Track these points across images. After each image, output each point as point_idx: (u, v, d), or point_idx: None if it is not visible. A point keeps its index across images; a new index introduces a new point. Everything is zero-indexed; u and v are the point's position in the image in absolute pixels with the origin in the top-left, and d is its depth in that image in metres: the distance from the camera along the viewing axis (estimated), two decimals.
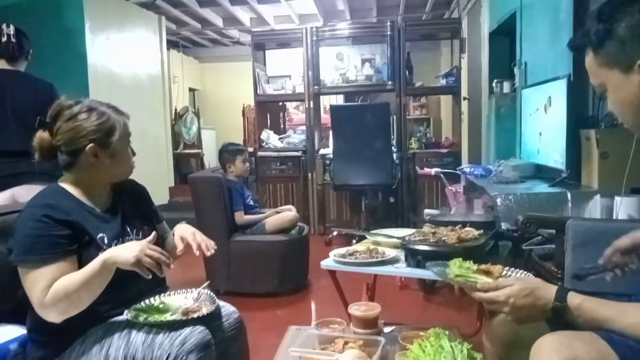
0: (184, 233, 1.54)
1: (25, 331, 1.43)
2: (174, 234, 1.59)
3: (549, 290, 1.08)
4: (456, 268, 1.30)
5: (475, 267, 1.30)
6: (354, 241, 4.34)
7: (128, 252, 1.29)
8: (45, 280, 1.28)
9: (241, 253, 3.26)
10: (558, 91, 2.64)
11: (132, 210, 1.56)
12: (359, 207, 4.92)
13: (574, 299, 1.04)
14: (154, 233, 1.39)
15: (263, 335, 2.53)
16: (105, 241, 1.41)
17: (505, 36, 4.56)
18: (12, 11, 4.21)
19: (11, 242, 1.35)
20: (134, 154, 1.54)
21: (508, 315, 1.12)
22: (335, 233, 4.82)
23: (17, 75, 2.56)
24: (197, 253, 1.50)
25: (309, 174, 5.22)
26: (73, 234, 1.35)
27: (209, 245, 1.52)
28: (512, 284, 1.11)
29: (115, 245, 1.41)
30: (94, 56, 4.42)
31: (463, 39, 5.40)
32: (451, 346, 1.01)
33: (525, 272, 1.35)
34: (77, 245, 1.36)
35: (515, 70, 3.94)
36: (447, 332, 1.05)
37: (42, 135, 1.44)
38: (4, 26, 2.54)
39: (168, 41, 6.15)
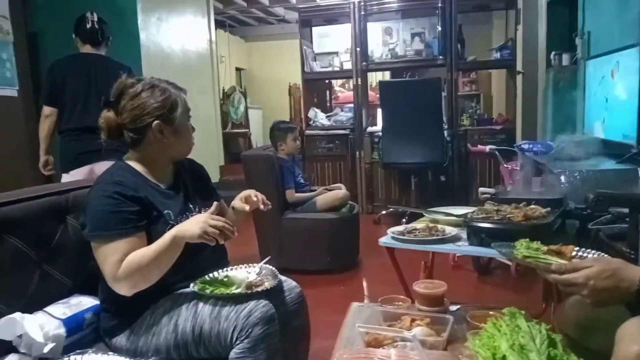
0: (243, 194, 1.60)
1: (98, 302, 1.49)
2: (232, 208, 1.62)
3: (633, 272, 1.02)
4: (524, 249, 1.25)
5: (544, 247, 1.24)
6: (404, 220, 4.30)
7: (193, 225, 1.32)
8: (117, 255, 1.32)
9: (293, 230, 3.29)
10: (628, 61, 2.47)
11: (192, 187, 1.60)
12: (408, 186, 4.85)
13: None
14: (215, 204, 1.43)
15: (318, 311, 2.55)
16: (172, 217, 1.45)
17: (564, 5, 4.32)
18: None
19: (83, 217, 1.41)
20: (193, 129, 1.56)
21: (586, 298, 1.06)
22: (384, 212, 4.78)
23: (100, 59, 2.87)
24: (262, 207, 1.58)
25: (357, 152, 5.17)
26: (142, 209, 1.39)
27: (265, 200, 1.60)
28: (591, 265, 1.05)
29: (180, 221, 1.44)
30: (146, 36, 4.50)
31: (519, 10, 5.14)
32: (528, 326, 0.97)
33: (599, 253, 1.28)
34: (146, 221, 1.40)
35: (577, 41, 3.73)
36: (523, 312, 1.01)
37: (107, 114, 1.48)
38: (88, 14, 2.84)
39: (215, 21, 6.18)
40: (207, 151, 5.39)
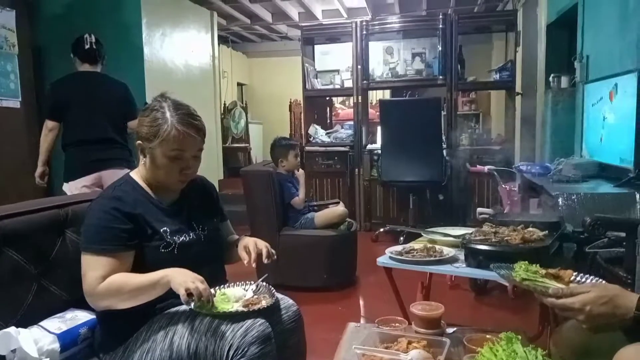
0: (248, 242, 1.56)
1: (94, 316, 1.49)
2: (237, 246, 1.60)
3: (629, 298, 1.03)
4: (522, 271, 1.25)
5: (543, 271, 1.25)
6: (401, 238, 4.30)
7: (182, 276, 1.32)
8: (100, 270, 1.35)
9: (290, 247, 3.28)
10: (627, 86, 2.50)
11: (199, 206, 1.60)
12: (406, 204, 4.85)
13: None
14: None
15: (315, 329, 2.53)
16: (168, 234, 1.46)
17: (563, 28, 4.37)
18: (75, 8, 4.40)
19: (82, 227, 1.44)
20: (187, 168, 1.48)
21: (583, 323, 1.06)
22: (382, 230, 4.77)
23: (99, 76, 3.11)
24: (254, 265, 1.51)
25: (356, 170, 5.19)
26: (135, 228, 1.41)
27: (270, 253, 1.53)
28: (588, 290, 1.06)
29: (179, 239, 1.46)
30: (150, 51, 4.54)
31: (518, 32, 5.21)
32: (525, 351, 0.97)
33: (597, 279, 1.28)
34: (138, 240, 1.42)
35: (576, 64, 3.76)
36: (519, 337, 1.01)
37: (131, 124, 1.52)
38: (86, 35, 3.07)
39: (218, 36, 6.24)
40: (206, 165, 5.39)
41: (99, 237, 1.37)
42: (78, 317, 1.49)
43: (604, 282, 1.23)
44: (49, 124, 3.00)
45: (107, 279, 1.34)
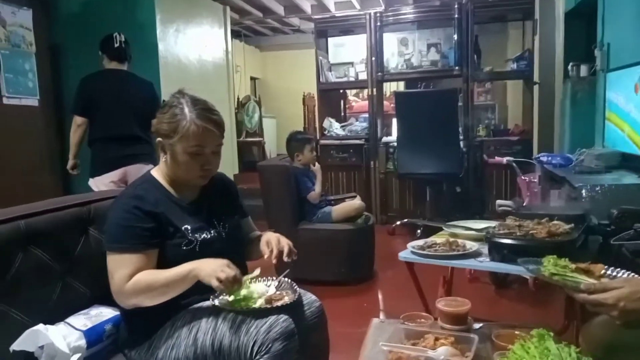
0: (270, 238, 1.53)
1: (118, 313, 1.50)
2: (259, 241, 1.58)
3: None
4: (551, 266, 1.23)
5: (572, 265, 1.22)
6: (419, 232, 4.27)
7: (205, 271, 1.33)
8: (127, 268, 1.35)
9: (308, 241, 3.27)
10: None
11: (219, 203, 1.60)
12: (423, 196, 4.81)
13: None
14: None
15: (335, 324, 2.52)
16: (190, 232, 1.46)
17: (582, 16, 4.27)
18: (91, 6, 4.43)
19: (105, 227, 1.44)
20: (207, 164, 1.47)
21: (616, 320, 1.04)
22: (398, 223, 4.74)
23: (128, 75, 3.20)
24: (274, 261, 1.48)
25: (372, 162, 5.16)
26: (157, 226, 1.41)
27: (292, 252, 1.50)
28: (622, 285, 1.03)
29: (200, 237, 1.46)
30: (164, 47, 4.55)
31: (535, 20, 5.11)
32: (558, 349, 0.95)
33: (629, 272, 1.25)
34: (160, 239, 1.42)
35: (596, 52, 3.68)
36: (551, 334, 0.99)
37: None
38: (116, 34, 3.15)
39: (231, 31, 6.24)
40: (222, 160, 5.40)
41: (122, 237, 1.38)
42: (103, 314, 1.50)
43: (636, 276, 1.20)
44: (77, 119, 3.07)
45: (134, 277, 1.35)
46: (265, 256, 1.49)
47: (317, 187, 3.42)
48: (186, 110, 1.43)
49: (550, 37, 4.86)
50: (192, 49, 5.06)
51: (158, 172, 1.54)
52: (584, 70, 3.97)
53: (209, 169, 1.49)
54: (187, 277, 1.35)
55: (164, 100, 1.55)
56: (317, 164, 3.55)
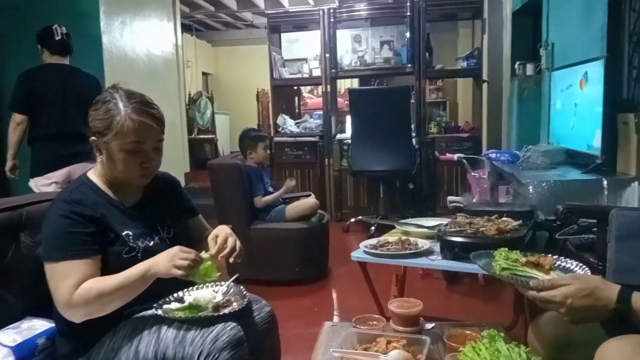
0: (219, 232, 1.44)
1: (53, 324, 1.40)
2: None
3: (611, 290, 1.01)
4: (502, 260, 1.23)
5: (523, 259, 1.22)
6: (372, 229, 4.29)
7: (164, 260, 1.27)
8: (72, 278, 1.25)
9: (261, 240, 3.21)
10: (592, 73, 2.52)
11: (164, 206, 1.51)
12: (377, 193, 4.84)
13: None
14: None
15: (288, 325, 2.49)
16: (131, 238, 1.37)
17: (528, 16, 4.40)
18: None
19: (39, 236, 1.34)
20: (147, 161, 1.37)
21: (564, 316, 1.04)
22: (352, 220, 4.75)
23: (72, 69, 3.06)
24: (231, 259, 1.40)
25: (326, 160, 5.14)
26: (98, 231, 1.32)
27: (239, 253, 1.41)
28: (570, 282, 1.04)
29: (142, 243, 1.38)
30: (109, 40, 4.34)
31: (484, 19, 5.24)
32: (508, 349, 0.94)
33: (578, 263, 1.27)
34: (102, 245, 1.33)
35: (541, 51, 3.80)
36: (502, 334, 0.98)
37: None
38: (55, 26, 2.99)
39: (181, 25, 6.05)
40: (172, 158, 5.24)
41: (63, 244, 1.27)
42: (35, 327, 1.40)
43: (587, 268, 1.22)
44: (17, 117, 2.91)
45: (81, 287, 1.24)
46: (209, 252, 1.37)
47: (272, 196, 3.35)
48: (120, 105, 1.33)
49: (498, 36, 4.99)
50: (140, 42, 4.86)
51: (95, 174, 1.43)
52: (530, 69, 4.10)
53: (149, 166, 1.39)
54: (144, 277, 1.26)
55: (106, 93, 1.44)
56: (293, 180, 3.53)
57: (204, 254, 1.35)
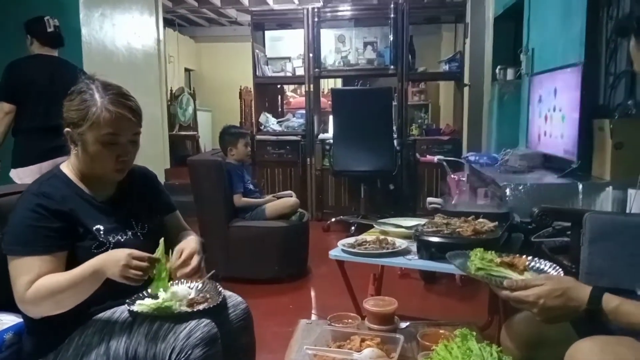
0: (184, 248, 1.40)
1: (21, 320, 1.36)
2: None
3: (582, 291, 1.03)
4: (477, 260, 1.24)
5: (498, 259, 1.24)
6: (352, 228, 4.30)
7: (113, 265, 1.21)
8: (30, 274, 1.22)
9: (240, 238, 3.20)
10: (570, 79, 2.56)
11: (139, 201, 1.48)
12: (358, 193, 4.85)
13: (610, 302, 0.98)
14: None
15: (266, 323, 2.48)
16: (102, 233, 1.34)
17: (510, 21, 4.46)
18: None
19: (5, 228, 1.29)
20: (124, 155, 1.35)
21: (536, 316, 1.06)
22: (333, 219, 4.75)
23: (60, 60, 3.04)
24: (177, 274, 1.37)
25: (308, 159, 5.14)
26: (66, 226, 1.29)
27: (195, 277, 1.40)
28: (543, 283, 1.05)
29: (114, 238, 1.35)
30: (88, 32, 4.26)
31: (467, 24, 5.29)
32: (480, 348, 0.95)
33: (551, 264, 1.28)
34: (69, 241, 1.29)
35: (522, 56, 3.85)
36: (474, 333, 0.99)
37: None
38: (47, 18, 2.96)
39: (163, 19, 5.97)
40: (152, 154, 5.16)
41: (25, 238, 1.24)
42: (2, 322, 1.37)
43: (560, 269, 1.23)
44: (5, 106, 2.85)
45: (34, 284, 1.21)
46: (172, 264, 1.35)
47: (253, 201, 3.33)
48: (97, 95, 1.31)
49: (480, 40, 5.04)
50: (120, 35, 4.78)
51: (68, 167, 1.40)
52: (510, 73, 4.15)
53: (125, 160, 1.36)
54: (93, 275, 1.22)
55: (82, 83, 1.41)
56: (293, 195, 3.50)
57: (161, 261, 1.30)
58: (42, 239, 1.25)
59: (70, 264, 1.28)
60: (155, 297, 1.37)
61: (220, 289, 1.45)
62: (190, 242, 1.43)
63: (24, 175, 2.85)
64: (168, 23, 7.80)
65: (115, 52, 4.71)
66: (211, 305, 1.33)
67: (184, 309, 1.32)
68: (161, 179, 5.52)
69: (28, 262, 1.23)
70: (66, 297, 1.23)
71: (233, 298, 1.49)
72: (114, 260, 1.22)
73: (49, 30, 2.94)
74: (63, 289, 1.21)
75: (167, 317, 1.27)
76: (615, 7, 2.57)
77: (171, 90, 7.10)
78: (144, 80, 5.12)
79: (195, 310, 1.30)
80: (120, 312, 1.32)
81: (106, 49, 4.54)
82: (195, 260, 1.38)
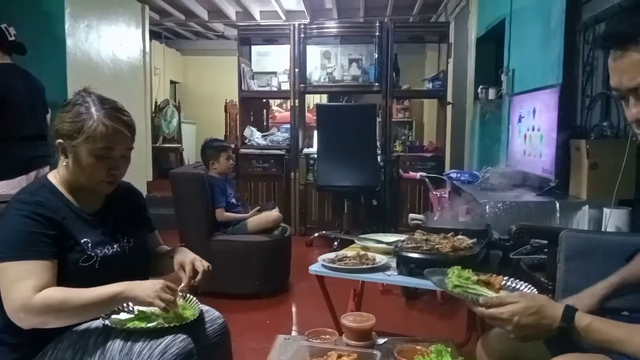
0: (184, 260, 1.44)
1: None
2: (172, 257, 1.49)
3: (555, 309, 1.04)
4: (455, 277, 1.25)
5: (475, 277, 1.25)
6: (335, 244, 4.30)
7: (145, 292, 1.25)
8: (32, 279, 1.20)
9: (222, 253, 3.16)
10: (549, 100, 2.62)
11: (124, 216, 1.47)
12: (341, 208, 4.86)
13: (582, 320, 1.00)
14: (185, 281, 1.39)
15: (244, 339, 2.46)
16: (90, 246, 1.33)
17: (492, 42, 4.57)
18: None
19: None
20: (115, 168, 1.35)
21: (510, 333, 1.07)
22: (316, 234, 4.75)
23: (26, 70, 2.95)
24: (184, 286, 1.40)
25: (292, 173, 5.14)
26: (58, 234, 1.28)
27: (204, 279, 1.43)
28: (517, 300, 1.07)
29: (101, 252, 1.34)
30: (73, 43, 4.25)
31: (450, 44, 5.40)
32: None
33: (526, 285, 1.31)
34: (59, 249, 1.28)
35: (503, 77, 3.94)
36: (449, 349, 1.00)
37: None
38: (4, 26, 2.84)
39: (150, 31, 5.98)
40: (135, 166, 5.09)
41: (22, 243, 1.22)
42: None
43: (534, 289, 1.25)
44: None
45: (46, 291, 1.19)
46: (183, 284, 1.39)
47: (236, 216, 3.32)
48: (93, 109, 1.31)
49: (463, 60, 5.15)
50: (105, 46, 4.77)
51: (55, 178, 1.38)
52: (491, 93, 4.23)
53: (116, 174, 1.36)
54: (115, 298, 1.24)
55: (65, 99, 1.41)
56: (276, 210, 3.46)
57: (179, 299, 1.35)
58: (39, 244, 1.23)
59: (58, 277, 1.26)
60: (130, 311, 1.35)
61: (197, 303, 1.44)
62: (185, 254, 1.48)
63: (9, 187, 2.71)
64: (155, 35, 7.81)
65: (101, 63, 4.70)
66: (188, 320, 1.31)
67: (160, 323, 1.30)
68: (143, 191, 5.47)
69: (26, 266, 1.20)
70: (73, 314, 1.22)
71: (210, 312, 1.48)
72: (148, 285, 1.26)
73: (10, 39, 2.85)
74: (77, 304, 1.21)
75: (143, 332, 1.25)
76: (591, 31, 2.65)
77: (156, 102, 7.08)
78: (128, 91, 5.10)
79: (171, 325, 1.28)
80: (95, 326, 1.30)
81: (91, 60, 4.53)
82: (198, 265, 1.43)
